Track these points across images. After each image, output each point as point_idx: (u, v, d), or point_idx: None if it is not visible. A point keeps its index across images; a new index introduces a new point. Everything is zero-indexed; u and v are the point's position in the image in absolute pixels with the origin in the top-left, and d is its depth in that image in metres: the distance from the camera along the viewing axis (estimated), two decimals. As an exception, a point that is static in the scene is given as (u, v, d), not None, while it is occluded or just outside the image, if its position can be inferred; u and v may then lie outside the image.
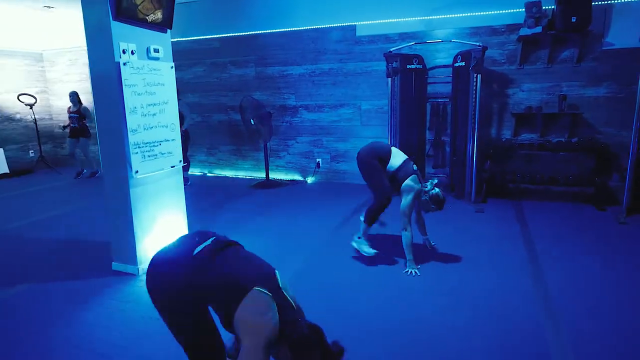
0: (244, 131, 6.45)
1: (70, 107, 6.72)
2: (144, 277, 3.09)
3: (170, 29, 3.26)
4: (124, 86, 2.87)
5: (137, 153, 3.03)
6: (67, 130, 6.79)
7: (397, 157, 3.22)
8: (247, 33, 6.42)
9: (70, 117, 6.70)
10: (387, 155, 3.24)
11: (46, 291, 2.91)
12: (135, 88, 2.96)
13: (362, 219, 3.36)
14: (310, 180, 6.42)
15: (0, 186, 6.59)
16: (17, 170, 7.47)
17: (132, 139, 2.98)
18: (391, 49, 5.22)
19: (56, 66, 8.06)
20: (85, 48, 2.92)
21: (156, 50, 3.13)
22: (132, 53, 2.95)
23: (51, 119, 8.30)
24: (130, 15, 2.87)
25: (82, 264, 3.34)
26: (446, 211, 3.27)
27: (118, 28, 2.83)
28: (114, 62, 2.82)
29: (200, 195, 5.74)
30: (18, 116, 7.58)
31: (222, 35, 6.60)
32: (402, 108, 5.33)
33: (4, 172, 7.33)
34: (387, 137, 5.35)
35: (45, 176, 7.22)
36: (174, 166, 3.38)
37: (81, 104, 6.72)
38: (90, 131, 6.76)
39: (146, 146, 3.10)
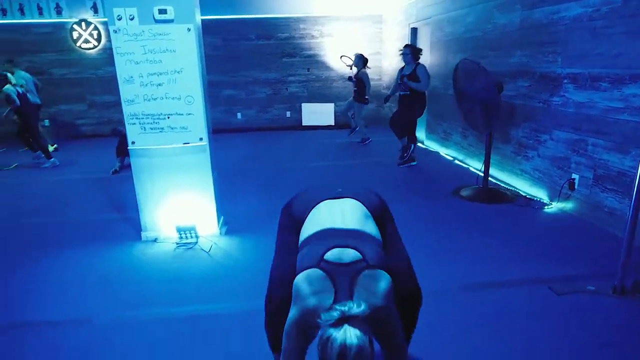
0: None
1: (353, 69, 7.09)
2: (147, 244, 3.25)
3: (188, -18, 2.84)
4: (115, 55, 2.90)
5: (134, 124, 3.06)
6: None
7: (317, 221, 1.54)
8: (513, -43, 4.22)
9: (351, 80, 7.10)
10: (303, 215, 1.59)
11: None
12: (131, 56, 2.92)
13: None
14: (553, 206, 3.80)
15: (318, 134, 8.16)
16: (340, 123, 8.87)
17: (127, 109, 3.02)
18: None
19: (389, 26, 8.51)
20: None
21: (163, 12, 2.87)
22: (132, 18, 2.87)
23: (380, 79, 9.05)
24: (124, -23, 2.77)
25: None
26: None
27: (111, -8, 2.83)
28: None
29: (384, 183, 4.81)
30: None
31: (490, -32, 4.67)
32: None
33: (329, 124, 8.95)
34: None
35: (345, 132, 8.18)
36: (187, 143, 3.12)
37: (363, 67, 6.88)
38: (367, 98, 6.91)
39: (148, 118, 3.05)
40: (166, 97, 3.03)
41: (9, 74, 5.84)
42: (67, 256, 3.09)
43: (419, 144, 6.88)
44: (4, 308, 2.45)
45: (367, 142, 7.10)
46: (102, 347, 2.08)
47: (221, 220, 3.47)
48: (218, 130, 8.49)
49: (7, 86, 5.63)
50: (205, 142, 3.15)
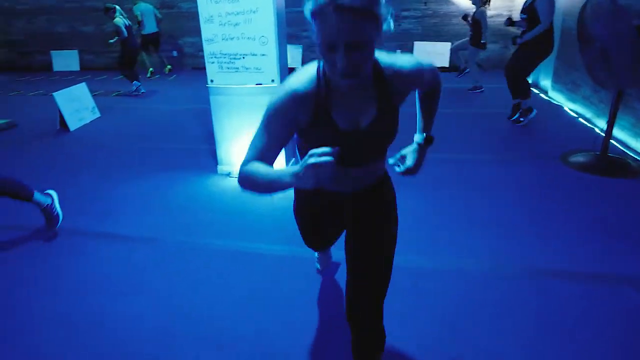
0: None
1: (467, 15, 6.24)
2: (221, 177, 3.55)
3: None
4: (197, -7, 3.01)
5: (213, 62, 3.21)
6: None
7: None
8: None
9: (466, 20, 6.29)
10: None
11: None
12: (211, -5, 2.99)
13: None
14: (689, 189, 3.08)
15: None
16: (455, 66, 8.11)
17: (207, 48, 3.17)
18: None
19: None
20: None
21: (240, -52, 2.84)
22: (213, -45, 2.90)
23: (511, 14, 7.89)
24: None
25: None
26: None
27: None
28: (194, -31, 2.97)
29: (483, 137, 4.37)
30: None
31: None
32: None
33: (443, 66, 8.24)
34: None
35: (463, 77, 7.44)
36: (260, 84, 3.19)
37: (482, 5, 6.00)
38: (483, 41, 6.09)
39: (225, 57, 3.17)
40: (242, 37, 3.09)
41: (117, 7, 6.43)
42: (153, 180, 3.55)
43: (542, 95, 6.01)
44: (91, 219, 2.96)
45: (478, 91, 6.40)
46: (161, 265, 2.41)
47: (291, 162, 3.58)
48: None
49: (117, 19, 6.27)
50: (276, 84, 3.19)
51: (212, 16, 3.07)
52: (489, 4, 5.92)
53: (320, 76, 1.12)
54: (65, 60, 9.42)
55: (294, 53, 8.66)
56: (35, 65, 9.69)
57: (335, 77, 1.05)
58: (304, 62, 8.59)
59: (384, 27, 1.02)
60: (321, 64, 1.13)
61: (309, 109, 1.13)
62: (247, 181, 1.12)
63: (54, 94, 4.81)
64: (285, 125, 1.15)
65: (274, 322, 1.93)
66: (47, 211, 2.70)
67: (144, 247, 2.61)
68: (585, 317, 1.94)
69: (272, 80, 3.18)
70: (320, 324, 1.94)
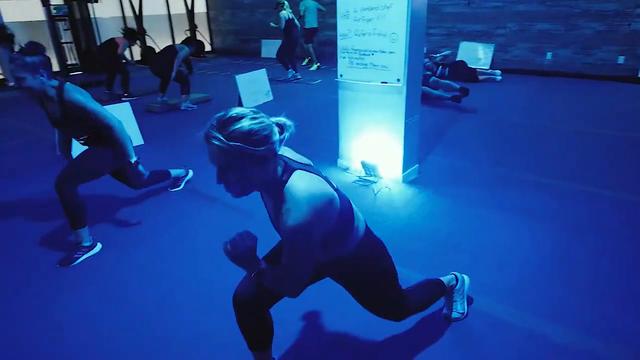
0: None
1: None
2: (339, 170, 3.64)
3: None
4: (337, -11, 3.10)
5: (344, 58, 3.28)
6: None
7: None
8: None
9: None
10: None
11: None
12: (349, -10, 3.04)
13: None
14: None
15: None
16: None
17: (340, 43, 3.25)
18: None
19: None
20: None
21: (381, -59, 2.78)
22: (355, -50, 2.93)
23: None
24: None
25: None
26: None
27: None
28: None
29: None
30: None
31: None
32: None
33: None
34: None
35: None
36: (385, 82, 3.11)
37: None
38: None
39: (356, 53, 3.20)
40: (373, 33, 3.06)
41: (286, 2, 7.36)
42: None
43: None
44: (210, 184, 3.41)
45: None
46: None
47: (413, 168, 3.41)
48: (516, 71, 7.63)
49: (282, 12, 7.27)
50: (401, 84, 3.06)
51: (348, 11, 3.13)
52: None
53: None
54: (271, 48, 10.89)
55: (485, 51, 8.06)
56: (250, 51, 11.52)
57: None
58: (494, 62, 7.88)
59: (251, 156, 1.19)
60: None
61: None
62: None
63: (236, 76, 5.67)
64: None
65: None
66: (178, 180, 3.40)
67: (241, 217, 2.91)
68: None
69: (398, 80, 3.07)
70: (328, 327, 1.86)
